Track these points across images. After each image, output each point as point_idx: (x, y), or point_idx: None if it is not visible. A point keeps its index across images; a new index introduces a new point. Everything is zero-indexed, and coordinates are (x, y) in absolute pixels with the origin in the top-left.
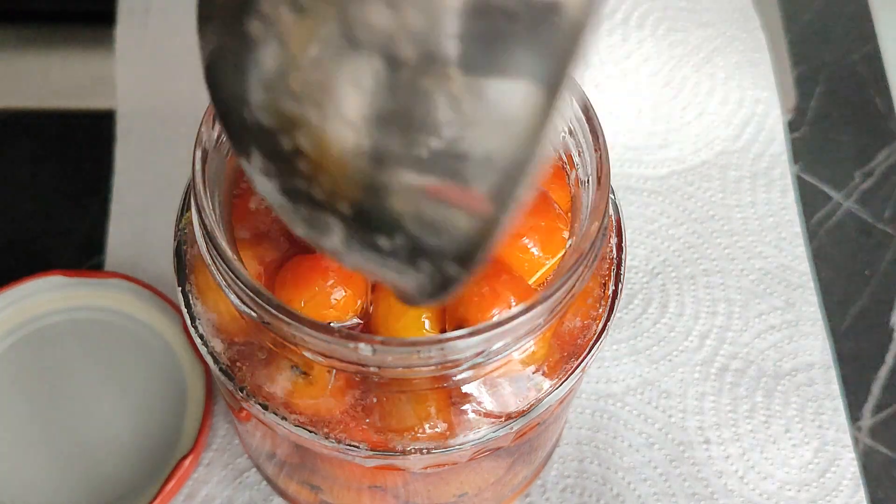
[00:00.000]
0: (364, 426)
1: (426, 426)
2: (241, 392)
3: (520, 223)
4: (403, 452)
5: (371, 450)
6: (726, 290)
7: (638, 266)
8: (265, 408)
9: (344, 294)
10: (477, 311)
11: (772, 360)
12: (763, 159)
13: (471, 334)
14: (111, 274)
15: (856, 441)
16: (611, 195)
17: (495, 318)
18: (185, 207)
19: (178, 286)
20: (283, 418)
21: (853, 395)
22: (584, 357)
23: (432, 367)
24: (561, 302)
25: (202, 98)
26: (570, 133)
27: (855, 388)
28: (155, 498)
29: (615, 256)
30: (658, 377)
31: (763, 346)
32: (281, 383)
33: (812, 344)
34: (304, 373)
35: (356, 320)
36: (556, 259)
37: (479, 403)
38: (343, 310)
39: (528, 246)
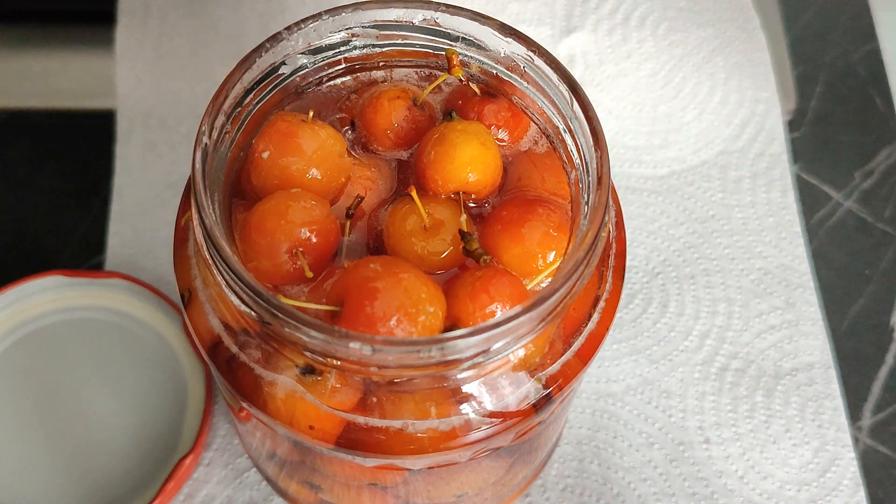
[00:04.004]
0: (364, 425)
1: (426, 426)
2: (241, 392)
3: (522, 225)
4: (403, 452)
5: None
6: (726, 290)
7: (638, 266)
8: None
9: None
10: (469, 311)
11: (772, 359)
12: (763, 159)
13: (471, 334)
14: (111, 274)
15: (856, 441)
16: (611, 195)
17: (495, 318)
18: (184, 207)
19: (178, 286)
20: None
21: (853, 395)
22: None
23: (432, 367)
24: (561, 302)
25: (202, 98)
26: (570, 133)
27: (855, 388)
28: (155, 498)
29: (615, 256)
30: (658, 377)
31: (763, 346)
32: (281, 382)
33: (812, 344)
34: (313, 371)
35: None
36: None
37: (479, 403)
38: None
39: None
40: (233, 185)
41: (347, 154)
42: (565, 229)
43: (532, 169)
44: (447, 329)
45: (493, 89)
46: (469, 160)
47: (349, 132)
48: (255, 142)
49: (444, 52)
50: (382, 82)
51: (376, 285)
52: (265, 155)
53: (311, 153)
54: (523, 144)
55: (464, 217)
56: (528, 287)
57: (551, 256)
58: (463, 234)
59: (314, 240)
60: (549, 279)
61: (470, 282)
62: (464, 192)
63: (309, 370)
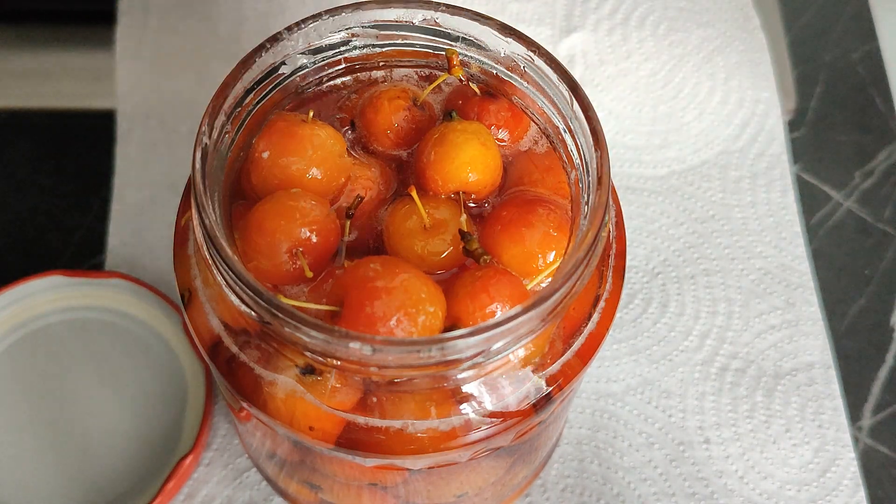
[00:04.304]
0: (364, 426)
1: (426, 426)
2: (241, 392)
3: (522, 225)
4: (403, 452)
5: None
6: (726, 290)
7: (638, 266)
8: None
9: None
10: (469, 311)
11: (772, 359)
12: (763, 159)
13: (471, 334)
14: (111, 274)
15: (856, 441)
16: (611, 195)
17: (495, 318)
18: (185, 207)
19: (178, 286)
20: None
21: (853, 395)
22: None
23: (432, 367)
24: (561, 302)
25: (202, 98)
26: (570, 133)
27: (855, 388)
28: (155, 497)
29: (615, 256)
30: (658, 377)
31: (763, 346)
32: (281, 382)
33: (812, 344)
34: (313, 371)
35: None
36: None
37: (479, 403)
38: None
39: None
40: (233, 185)
41: (347, 154)
42: (565, 229)
43: (532, 169)
44: (447, 329)
45: (493, 89)
46: (469, 160)
47: (349, 132)
48: (255, 142)
49: (444, 52)
50: (382, 82)
51: (376, 285)
52: (265, 155)
53: (311, 153)
54: (523, 144)
55: (464, 217)
56: (528, 287)
57: (551, 256)
58: (463, 234)
59: (314, 240)
60: (549, 279)
61: (470, 282)
62: (464, 192)
63: (309, 370)
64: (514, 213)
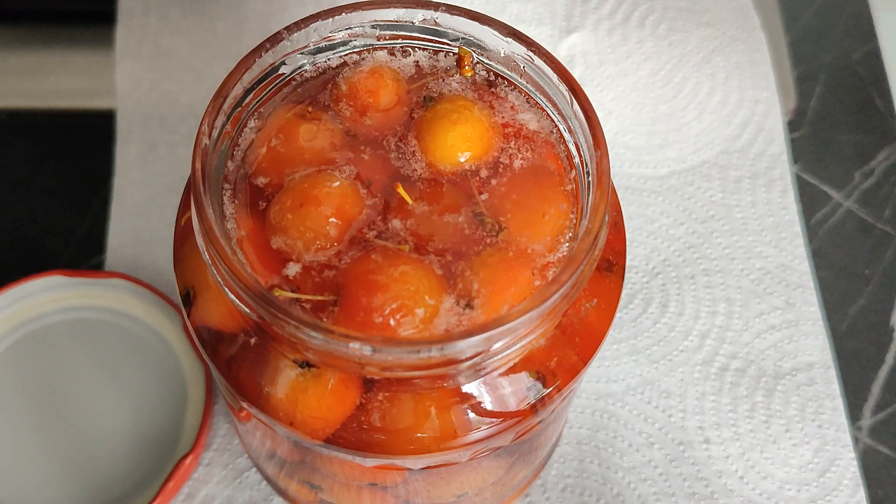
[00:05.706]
0: (364, 426)
1: (426, 426)
2: (241, 392)
3: (526, 188)
4: (403, 452)
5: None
6: (726, 290)
7: (638, 266)
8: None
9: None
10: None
11: (772, 359)
12: (763, 159)
13: (471, 334)
14: (111, 274)
15: (856, 441)
16: (611, 195)
17: (495, 319)
18: (184, 207)
19: (179, 286)
20: None
21: (853, 395)
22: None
23: (432, 367)
24: (560, 302)
25: (202, 98)
26: (571, 133)
27: (855, 388)
28: (155, 498)
29: (615, 256)
30: (658, 377)
31: (763, 346)
32: (281, 382)
33: (812, 344)
34: (312, 370)
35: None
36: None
37: (479, 403)
38: None
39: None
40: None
41: (344, 143)
42: (568, 194)
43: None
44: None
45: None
46: (457, 141)
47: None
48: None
49: (443, 52)
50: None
51: (376, 277)
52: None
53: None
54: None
55: (480, 197)
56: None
57: (560, 208)
58: (475, 212)
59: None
60: (565, 243)
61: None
62: (469, 170)
63: (308, 370)
64: (518, 181)
